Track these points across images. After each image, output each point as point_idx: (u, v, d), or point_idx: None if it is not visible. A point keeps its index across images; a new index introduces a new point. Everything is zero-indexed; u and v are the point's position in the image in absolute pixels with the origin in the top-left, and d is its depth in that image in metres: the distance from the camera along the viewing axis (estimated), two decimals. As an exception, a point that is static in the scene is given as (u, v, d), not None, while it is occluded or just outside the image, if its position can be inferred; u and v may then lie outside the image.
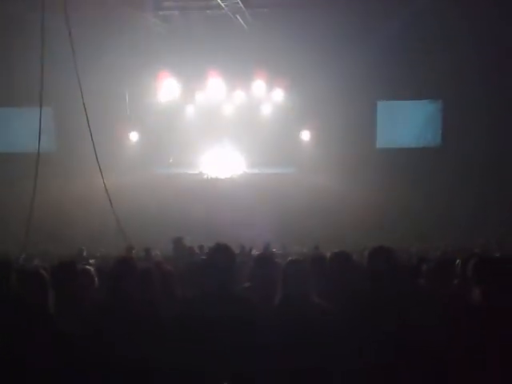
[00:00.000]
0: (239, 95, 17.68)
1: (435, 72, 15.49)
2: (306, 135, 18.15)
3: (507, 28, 13.41)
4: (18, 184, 13.90)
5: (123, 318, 2.70)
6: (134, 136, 18.48)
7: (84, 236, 13.74)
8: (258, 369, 2.47)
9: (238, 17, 14.38)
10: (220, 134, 18.10)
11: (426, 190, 15.94)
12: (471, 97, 15.42)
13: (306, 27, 14.23)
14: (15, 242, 10.36)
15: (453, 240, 12.13)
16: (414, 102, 17.98)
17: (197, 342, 2.52)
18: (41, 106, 9.06)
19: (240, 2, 13.02)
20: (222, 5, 13.14)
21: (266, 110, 18.00)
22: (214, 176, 18.43)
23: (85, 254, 8.56)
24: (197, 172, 18.47)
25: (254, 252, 7.88)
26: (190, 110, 18.21)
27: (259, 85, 17.31)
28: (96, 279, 3.47)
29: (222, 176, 18.41)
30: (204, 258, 4.25)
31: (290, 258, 3.06)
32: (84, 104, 9.46)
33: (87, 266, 3.78)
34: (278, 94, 17.70)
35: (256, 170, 18.22)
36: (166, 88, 17.33)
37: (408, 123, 18.02)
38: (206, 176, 18.47)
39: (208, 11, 14.64)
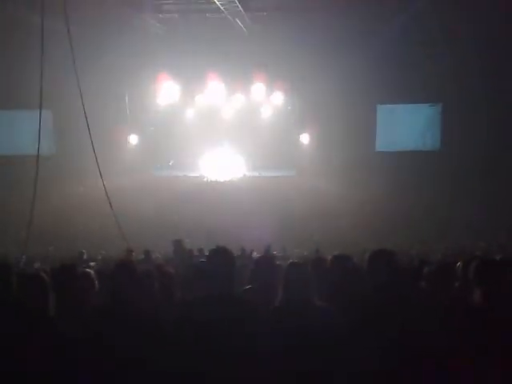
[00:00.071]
0: (239, 98, 17.72)
1: (435, 75, 15.54)
2: (305, 138, 18.18)
3: (507, 31, 13.43)
4: (18, 187, 13.92)
5: (123, 320, 2.69)
6: (133, 139, 18.51)
7: (84, 239, 13.74)
8: (259, 372, 2.46)
9: (238, 20, 14.42)
10: (220, 137, 18.14)
11: (426, 192, 15.96)
12: (471, 100, 15.45)
13: (306, 30, 14.27)
14: (15, 244, 10.36)
15: (453, 243, 12.12)
16: (413, 106, 18.02)
17: (197, 344, 2.51)
18: (40, 109, 9.05)
19: (239, 6, 13.05)
20: (222, 8, 13.18)
21: (266, 112, 18.04)
22: (213, 179, 18.45)
23: (85, 256, 8.55)
24: (197, 175, 18.49)
25: (255, 255, 7.87)
26: (189, 113, 18.25)
27: (259, 88, 17.36)
28: (96, 282, 3.46)
29: (221, 179, 18.43)
30: (204, 260, 4.24)
31: (290, 261, 3.05)
32: (84, 107, 9.46)
33: (87, 269, 3.77)
34: (278, 97, 17.75)
35: (256, 173, 18.24)
36: (166, 91, 17.37)
37: (407, 127, 18.06)
38: (205, 179, 18.49)
39: (208, 14, 14.68)
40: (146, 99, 17.66)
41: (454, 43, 14.21)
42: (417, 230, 14.50)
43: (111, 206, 9.87)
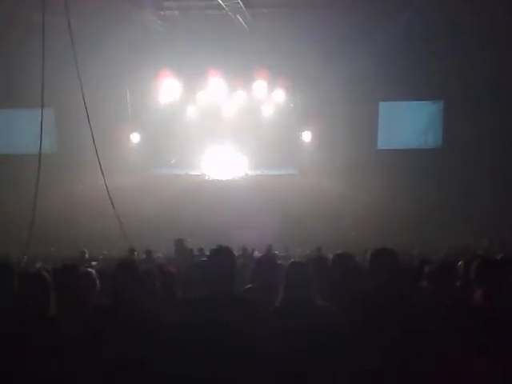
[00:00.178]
0: (240, 95, 17.67)
1: (438, 72, 15.46)
2: (307, 136, 18.13)
3: (511, 27, 13.33)
4: (20, 185, 13.92)
5: (125, 320, 2.69)
6: (135, 137, 18.49)
7: (86, 238, 13.74)
8: (260, 372, 2.46)
9: (239, 17, 14.39)
10: (221, 135, 18.10)
11: (428, 191, 15.91)
12: (474, 97, 15.36)
13: (308, 27, 14.22)
14: (17, 244, 10.37)
15: (455, 242, 12.09)
16: (415, 103, 17.94)
17: (197, 344, 2.51)
18: (42, 107, 9.05)
19: (240, 2, 13.02)
20: (223, 5, 13.15)
21: (268, 110, 17.99)
22: (215, 177, 18.41)
23: (87, 256, 8.55)
24: (198, 173, 18.47)
25: (256, 254, 7.88)
26: (191, 111, 18.22)
27: (260, 85, 17.31)
28: (98, 282, 3.46)
29: (223, 177, 18.40)
30: (205, 260, 4.24)
31: (292, 260, 3.05)
32: (85, 105, 9.46)
33: (89, 269, 3.78)
34: (280, 95, 17.69)
35: (258, 172, 18.20)
36: (167, 88, 17.34)
37: (409, 124, 18.00)
38: (207, 177, 18.47)
39: (209, 11, 14.66)
40: (148, 97, 17.64)
41: (458, 38, 14.10)
42: (420, 229, 14.48)
43: (113, 206, 9.87)
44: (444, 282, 3.33)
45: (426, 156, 17.12)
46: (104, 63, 14.85)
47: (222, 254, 2.78)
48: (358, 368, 2.47)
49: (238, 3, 13.10)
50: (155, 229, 14.34)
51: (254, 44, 15.40)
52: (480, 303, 2.80)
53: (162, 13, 15.02)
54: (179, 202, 16.43)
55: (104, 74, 15.12)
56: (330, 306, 2.72)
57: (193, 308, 2.73)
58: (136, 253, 8.00)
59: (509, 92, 15.12)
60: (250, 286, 3.45)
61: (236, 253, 2.96)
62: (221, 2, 12.97)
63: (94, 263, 6.67)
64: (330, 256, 4.12)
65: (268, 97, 17.71)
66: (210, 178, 18.43)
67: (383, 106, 17.88)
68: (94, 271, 3.64)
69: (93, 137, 9.70)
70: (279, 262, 4.05)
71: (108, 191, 9.98)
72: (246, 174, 18.45)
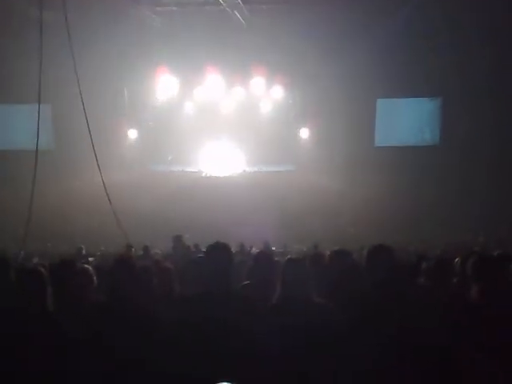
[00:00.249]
0: (238, 92, 17.62)
1: (436, 69, 15.44)
2: (305, 133, 18.11)
3: (510, 23, 13.32)
4: (17, 182, 13.87)
5: (122, 317, 2.69)
6: (132, 133, 18.45)
7: (83, 234, 13.71)
8: (257, 369, 2.46)
9: (236, 12, 14.33)
10: (219, 132, 18.06)
11: (426, 188, 15.93)
12: (473, 94, 15.35)
13: (306, 23, 14.18)
14: (14, 240, 10.34)
15: (452, 238, 12.12)
16: (413, 100, 17.94)
17: (195, 341, 2.51)
18: (39, 103, 9.00)
19: (239, -2, 12.99)
20: (221, 0, 13.10)
21: (266, 107, 17.96)
22: (213, 174, 18.39)
23: (84, 252, 8.54)
24: (196, 170, 18.44)
25: (254, 250, 7.87)
26: (188, 107, 18.17)
27: (258, 81, 17.27)
28: (95, 278, 3.45)
29: (221, 174, 18.38)
30: (202, 256, 4.24)
31: (289, 257, 3.04)
32: (83, 102, 9.42)
33: (86, 265, 3.76)
34: (278, 91, 17.66)
35: (255, 168, 18.19)
36: (164, 84, 17.29)
37: (407, 121, 18.00)
38: (205, 174, 18.44)
39: (206, 7, 14.60)
40: (145, 93, 17.59)
41: (457, 35, 14.08)
42: (417, 226, 14.50)
43: (110, 202, 9.85)
44: (441, 278, 3.33)
45: (424, 153, 17.12)
46: (101, 59, 14.78)
47: (218, 250, 2.78)
48: (355, 365, 2.47)
49: (236, -1, 13.06)
50: (152, 225, 14.33)
51: (251, 40, 15.34)
52: (476, 300, 2.80)
53: (159, 8, 14.95)
54: (176, 199, 16.41)
55: (101, 71, 15.06)
56: (327, 303, 2.72)
57: (190, 304, 2.72)
58: (133, 249, 7.99)
59: (507, 89, 15.11)
60: (247, 282, 3.45)
61: (234, 249, 2.95)
62: (219, -2, 12.94)
63: (91, 259, 6.65)
64: (327, 253, 4.12)
65: (266, 93, 17.67)
66: (208, 175, 18.41)
67: (381, 103, 17.87)
68: (91, 267, 3.63)
69: (90, 133, 9.66)
70: (276, 258, 4.05)
71: (105, 188, 9.96)
72: (244, 171, 18.43)
